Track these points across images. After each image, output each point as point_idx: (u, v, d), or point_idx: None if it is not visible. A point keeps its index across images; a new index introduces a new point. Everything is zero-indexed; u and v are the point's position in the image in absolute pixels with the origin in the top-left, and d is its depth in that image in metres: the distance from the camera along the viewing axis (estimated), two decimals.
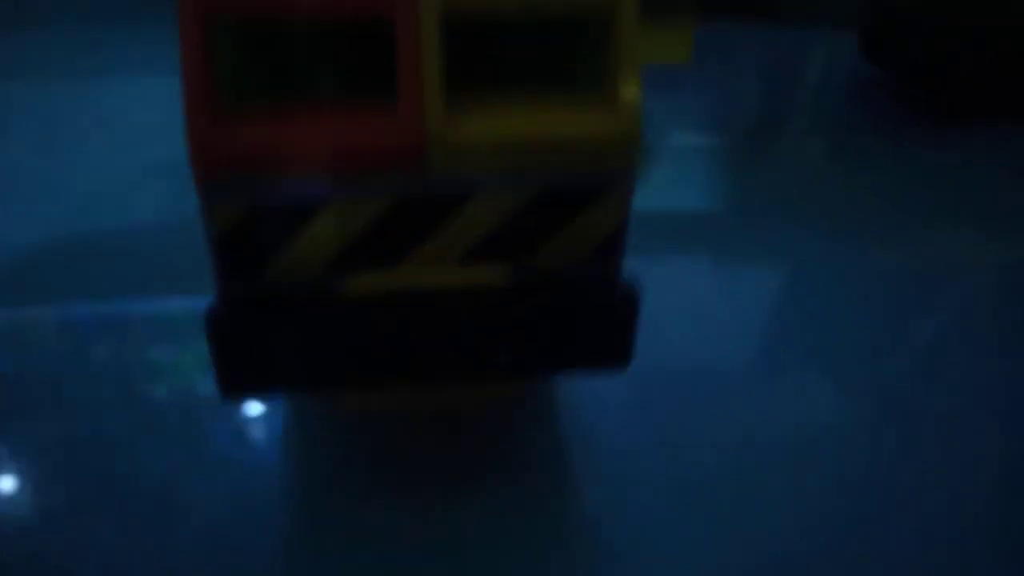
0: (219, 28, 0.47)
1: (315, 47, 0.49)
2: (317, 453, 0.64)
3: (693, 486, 0.63)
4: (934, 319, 0.84)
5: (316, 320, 0.50)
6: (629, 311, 0.54)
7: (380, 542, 0.57)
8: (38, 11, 1.82)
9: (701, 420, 0.68)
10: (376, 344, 0.52)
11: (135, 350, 0.74)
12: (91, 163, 1.13)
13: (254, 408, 0.68)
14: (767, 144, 1.24)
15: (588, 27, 0.51)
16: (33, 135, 1.22)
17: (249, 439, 0.65)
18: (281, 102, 0.49)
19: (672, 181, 1.11)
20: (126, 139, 1.20)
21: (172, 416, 0.67)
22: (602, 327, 0.54)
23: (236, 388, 0.51)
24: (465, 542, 0.57)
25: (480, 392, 0.64)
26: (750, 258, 0.94)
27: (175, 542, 0.55)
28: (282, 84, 0.50)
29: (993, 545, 0.58)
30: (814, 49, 1.66)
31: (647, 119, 1.32)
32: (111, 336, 0.76)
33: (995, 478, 0.63)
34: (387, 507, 0.59)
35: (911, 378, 0.75)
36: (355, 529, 0.58)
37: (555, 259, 0.54)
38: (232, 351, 0.50)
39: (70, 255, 0.90)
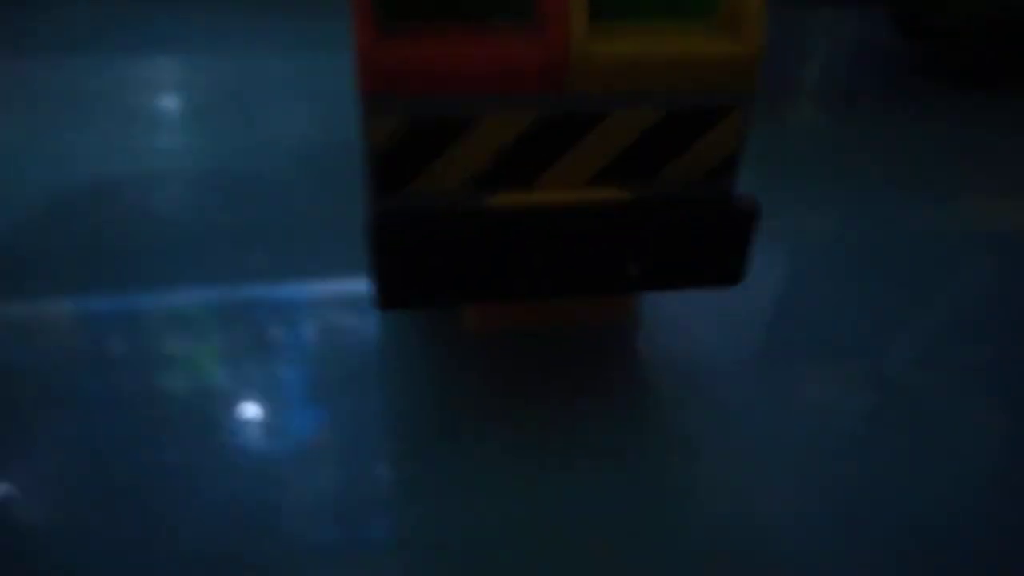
0: None
1: None
2: (437, 364, 0.68)
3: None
4: (948, 293, 0.85)
5: (461, 232, 0.54)
6: (744, 227, 0.58)
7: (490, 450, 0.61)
8: None
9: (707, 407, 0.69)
10: (514, 256, 0.55)
11: (151, 343, 0.73)
12: (113, 146, 1.11)
13: (267, 401, 0.67)
14: (802, 108, 1.28)
15: None
16: (54, 112, 1.21)
17: (264, 431, 0.64)
18: (436, 24, 0.53)
19: None
20: (148, 122, 1.19)
21: (190, 409, 0.66)
22: (718, 243, 0.58)
23: (390, 298, 0.55)
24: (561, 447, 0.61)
25: (598, 311, 0.67)
26: (767, 225, 0.96)
27: (194, 534, 0.55)
28: (435, 7, 0.53)
29: (993, 536, 0.58)
30: (845, 25, 1.70)
31: None
32: (127, 329, 0.75)
33: (993, 469, 0.64)
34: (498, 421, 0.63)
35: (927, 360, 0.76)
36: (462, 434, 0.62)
37: (677, 178, 0.58)
38: (386, 261, 0.53)
39: (83, 244, 0.88)
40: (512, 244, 0.55)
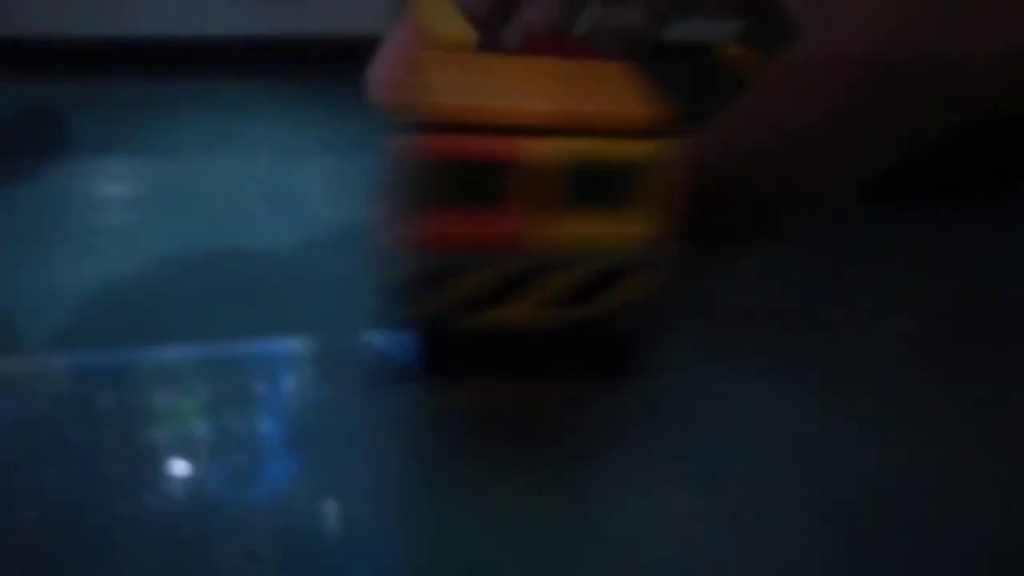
0: (418, 167, 0.76)
1: (463, 177, 0.79)
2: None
3: None
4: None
5: (457, 340, 0.79)
6: (644, 339, 0.85)
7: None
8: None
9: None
10: (494, 355, 0.81)
11: (137, 397, 0.76)
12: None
13: (250, 452, 0.71)
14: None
15: (631, 167, 0.83)
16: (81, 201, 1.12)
17: (247, 480, 0.67)
18: (444, 208, 0.79)
19: None
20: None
21: (173, 459, 0.68)
22: (626, 351, 0.85)
23: (423, 375, 0.78)
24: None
25: (549, 392, 0.93)
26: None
27: None
28: (445, 198, 0.79)
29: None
30: None
31: None
32: (114, 383, 0.79)
33: None
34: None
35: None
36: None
37: (601, 308, 0.85)
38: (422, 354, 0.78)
39: (73, 304, 0.90)
40: (489, 347, 0.81)
